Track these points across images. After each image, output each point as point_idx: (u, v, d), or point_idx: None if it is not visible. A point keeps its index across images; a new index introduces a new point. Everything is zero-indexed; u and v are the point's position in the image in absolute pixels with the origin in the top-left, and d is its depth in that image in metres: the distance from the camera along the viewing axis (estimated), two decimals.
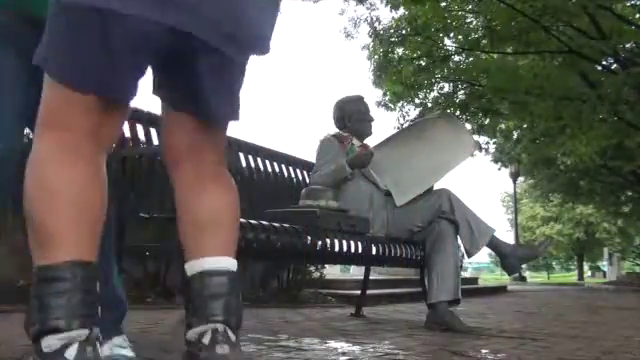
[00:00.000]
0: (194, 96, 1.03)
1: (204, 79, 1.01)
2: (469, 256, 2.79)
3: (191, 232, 1.08)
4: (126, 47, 0.91)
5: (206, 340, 0.98)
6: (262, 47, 1.12)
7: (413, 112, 11.58)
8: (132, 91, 0.99)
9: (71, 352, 0.84)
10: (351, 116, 3.02)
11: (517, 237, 16.82)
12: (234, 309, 1.03)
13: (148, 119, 2.16)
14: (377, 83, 11.11)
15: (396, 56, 10.52)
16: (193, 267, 1.03)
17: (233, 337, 1.02)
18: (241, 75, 1.11)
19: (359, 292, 3.53)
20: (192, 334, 0.99)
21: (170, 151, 1.10)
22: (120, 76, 0.95)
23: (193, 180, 1.09)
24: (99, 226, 0.93)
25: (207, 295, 1.00)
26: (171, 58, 0.99)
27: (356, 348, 2.01)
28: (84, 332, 0.85)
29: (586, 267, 35.49)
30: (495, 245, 2.77)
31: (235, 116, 1.11)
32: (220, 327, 1.00)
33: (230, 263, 1.07)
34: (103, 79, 0.93)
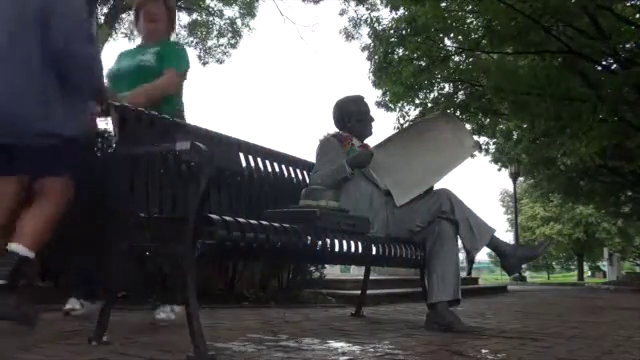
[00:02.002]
0: None
1: None
2: (469, 256, 2.79)
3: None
4: None
5: None
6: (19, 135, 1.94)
7: (413, 112, 11.60)
8: None
9: None
10: (351, 116, 3.02)
11: (517, 237, 16.82)
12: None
13: (148, 119, 2.16)
14: (377, 83, 11.11)
15: (396, 56, 10.52)
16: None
17: None
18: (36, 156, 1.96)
19: (359, 292, 3.54)
20: None
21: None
22: None
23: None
24: None
25: None
26: None
27: (356, 348, 2.01)
28: None
29: (586, 267, 35.45)
30: (495, 245, 2.77)
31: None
32: None
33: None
34: None
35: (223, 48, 13.27)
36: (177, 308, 2.52)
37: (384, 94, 11.34)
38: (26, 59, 1.92)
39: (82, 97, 2.10)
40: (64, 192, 2.06)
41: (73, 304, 2.50)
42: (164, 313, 2.53)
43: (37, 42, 1.93)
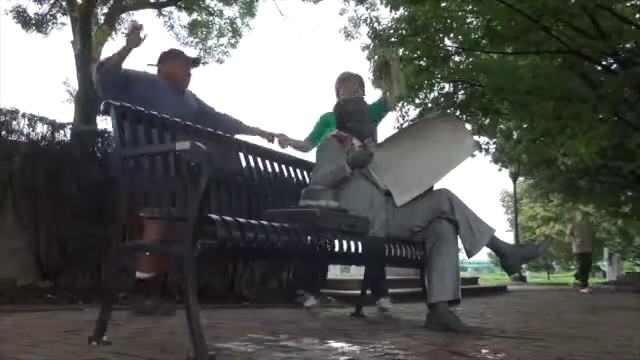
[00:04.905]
0: None
1: None
2: (469, 256, 2.78)
3: None
4: None
5: None
6: None
7: (413, 112, 11.58)
8: None
9: None
10: (351, 116, 3.02)
11: (517, 237, 16.81)
12: None
13: (148, 119, 2.16)
14: (377, 83, 11.10)
15: None
16: None
17: None
18: None
19: (359, 292, 3.54)
20: None
21: None
22: None
23: None
24: None
25: None
26: None
27: (356, 348, 2.01)
28: None
29: None
30: (495, 245, 2.77)
31: None
32: None
33: None
34: None
35: (223, 48, 13.27)
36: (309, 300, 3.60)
37: (384, 94, 11.31)
38: None
39: None
40: None
41: (312, 301, 3.55)
42: (309, 302, 3.56)
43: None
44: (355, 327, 2.74)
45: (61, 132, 3.78)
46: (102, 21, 11.20)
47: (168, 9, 12.87)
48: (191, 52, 13.31)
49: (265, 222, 1.89)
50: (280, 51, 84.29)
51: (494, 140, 13.55)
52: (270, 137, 3.46)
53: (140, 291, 2.87)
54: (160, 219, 1.96)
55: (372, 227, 2.59)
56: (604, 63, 9.76)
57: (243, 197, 2.55)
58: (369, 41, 10.67)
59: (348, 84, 3.64)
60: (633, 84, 8.32)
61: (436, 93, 11.58)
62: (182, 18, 13.15)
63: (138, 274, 2.86)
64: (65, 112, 31.30)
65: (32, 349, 1.76)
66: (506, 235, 31.44)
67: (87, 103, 8.56)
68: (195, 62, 3.30)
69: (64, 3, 10.90)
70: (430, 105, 11.28)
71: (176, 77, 3.13)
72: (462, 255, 2.99)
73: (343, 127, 3.04)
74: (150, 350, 1.80)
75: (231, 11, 13.07)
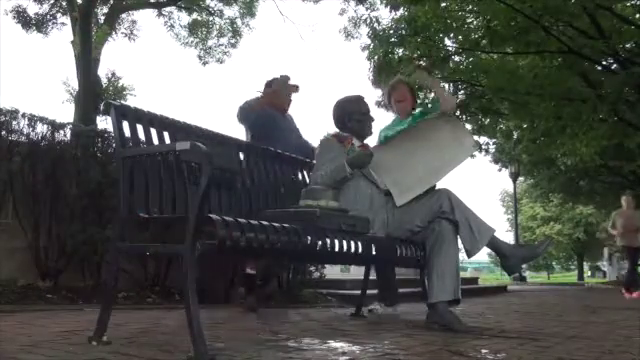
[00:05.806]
0: None
1: None
2: (469, 256, 2.78)
3: None
4: None
5: None
6: None
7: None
8: None
9: None
10: (351, 116, 3.02)
11: (517, 237, 16.81)
12: None
13: (148, 119, 2.16)
14: (377, 83, 11.10)
15: (396, 56, 10.50)
16: None
17: None
18: None
19: (359, 292, 3.54)
20: None
21: None
22: None
23: None
24: None
25: None
26: None
27: (356, 348, 2.01)
28: None
29: (586, 267, 35.45)
30: (495, 245, 2.77)
31: None
32: None
33: None
34: None
35: (223, 48, 13.31)
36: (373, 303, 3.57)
37: (384, 94, 11.32)
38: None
39: None
40: None
41: (375, 305, 3.54)
42: (373, 305, 3.55)
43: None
44: (355, 327, 2.74)
45: (61, 132, 3.78)
46: (102, 21, 11.21)
47: (168, 9, 12.89)
48: (191, 52, 13.35)
49: (265, 222, 1.89)
50: (280, 51, 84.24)
51: (494, 140, 13.56)
52: None
53: (255, 286, 3.49)
54: (160, 219, 1.96)
55: (372, 227, 2.59)
56: (604, 63, 9.76)
57: (243, 197, 2.55)
58: (369, 41, 10.66)
59: (398, 90, 3.73)
60: (633, 84, 8.32)
61: None
62: (182, 18, 13.19)
63: (249, 270, 3.46)
64: (65, 112, 31.32)
65: (32, 349, 1.76)
66: (506, 235, 31.48)
67: (87, 103, 8.56)
68: (295, 87, 3.58)
69: (64, 3, 10.91)
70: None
71: (278, 101, 3.54)
72: (462, 255, 3.00)
73: (343, 127, 3.04)
74: (150, 350, 1.80)
75: (231, 11, 13.10)
